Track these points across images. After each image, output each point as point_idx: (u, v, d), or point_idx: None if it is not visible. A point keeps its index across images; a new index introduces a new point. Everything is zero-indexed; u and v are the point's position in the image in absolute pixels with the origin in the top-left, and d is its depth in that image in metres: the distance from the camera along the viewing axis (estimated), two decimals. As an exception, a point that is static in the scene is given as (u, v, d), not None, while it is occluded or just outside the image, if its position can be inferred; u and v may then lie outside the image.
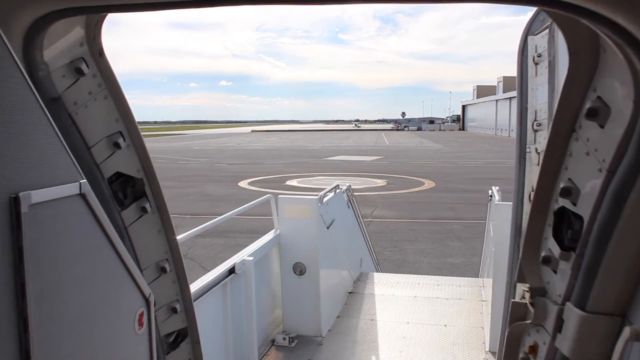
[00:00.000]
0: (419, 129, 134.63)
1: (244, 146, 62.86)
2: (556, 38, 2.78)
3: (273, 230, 4.79)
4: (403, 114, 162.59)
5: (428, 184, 23.41)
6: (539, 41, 2.92)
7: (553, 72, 2.85)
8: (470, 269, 10.09)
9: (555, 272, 1.86)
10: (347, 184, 6.52)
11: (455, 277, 6.25)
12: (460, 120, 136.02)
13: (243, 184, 23.92)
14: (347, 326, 5.32)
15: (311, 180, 25.13)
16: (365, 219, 15.12)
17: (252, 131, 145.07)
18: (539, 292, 1.95)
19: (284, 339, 5.01)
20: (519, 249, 2.49)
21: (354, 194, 6.42)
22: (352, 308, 5.61)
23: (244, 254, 4.09)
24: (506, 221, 3.57)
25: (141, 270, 2.05)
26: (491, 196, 5.74)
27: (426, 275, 6.44)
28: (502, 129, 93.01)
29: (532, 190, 2.78)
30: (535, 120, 2.99)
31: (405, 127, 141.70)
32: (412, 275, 6.42)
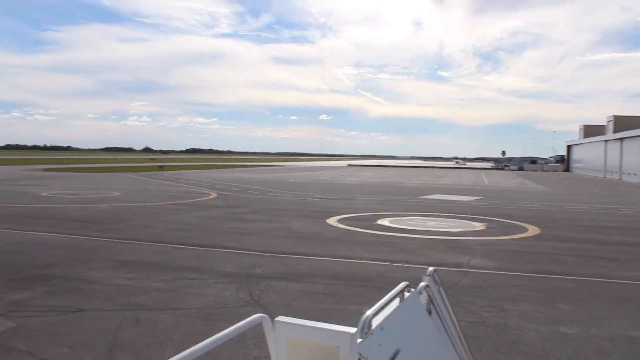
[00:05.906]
0: (520, 168, 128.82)
1: (338, 180, 62.31)
2: None
3: None
4: (503, 152, 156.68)
5: (532, 230, 21.28)
6: None
7: None
8: (589, 346, 8.30)
9: None
10: (430, 269, 3.51)
11: None
12: (564, 161, 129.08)
13: (331, 220, 22.95)
14: None
15: (404, 220, 23.73)
16: (461, 269, 13.56)
17: (349, 165, 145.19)
18: None
19: None
20: None
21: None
22: None
23: None
24: None
25: None
26: None
27: None
28: (612, 172, 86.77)
29: None
30: None
31: (505, 166, 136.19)
32: None
